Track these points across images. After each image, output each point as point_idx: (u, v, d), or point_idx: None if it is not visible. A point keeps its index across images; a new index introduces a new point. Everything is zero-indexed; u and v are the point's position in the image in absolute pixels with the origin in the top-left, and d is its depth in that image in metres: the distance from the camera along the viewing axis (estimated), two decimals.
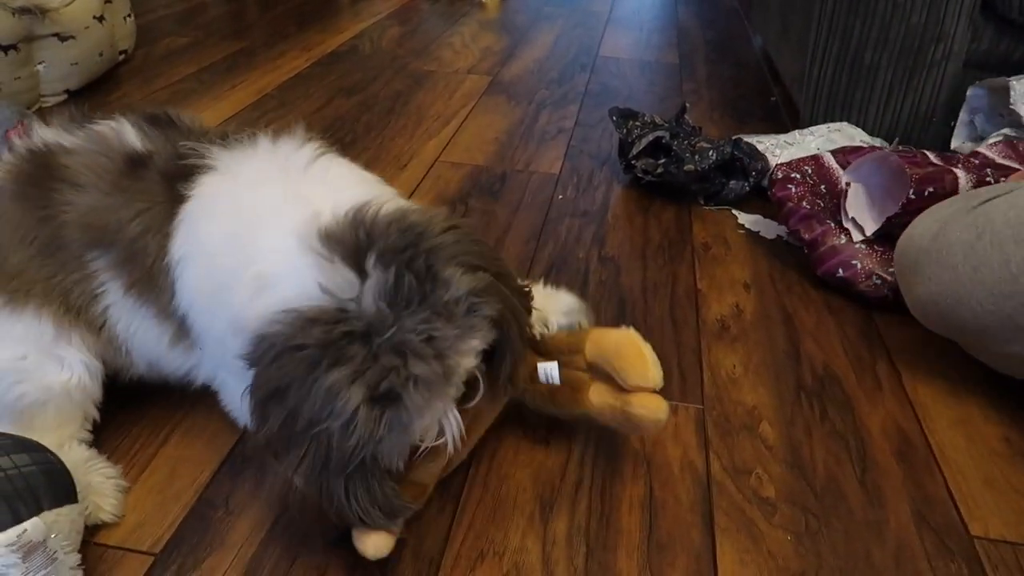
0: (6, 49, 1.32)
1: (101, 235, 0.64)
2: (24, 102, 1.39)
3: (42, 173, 0.66)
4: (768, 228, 1.16)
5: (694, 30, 2.31)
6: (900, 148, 1.16)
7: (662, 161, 1.21)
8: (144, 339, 0.67)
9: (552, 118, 1.57)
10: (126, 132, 0.67)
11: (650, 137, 1.23)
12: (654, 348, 0.66)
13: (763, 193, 1.23)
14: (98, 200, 0.64)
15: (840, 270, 0.99)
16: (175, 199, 0.62)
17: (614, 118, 1.30)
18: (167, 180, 0.63)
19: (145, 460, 0.71)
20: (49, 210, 0.65)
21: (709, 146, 1.19)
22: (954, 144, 1.21)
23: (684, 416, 0.79)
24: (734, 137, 1.22)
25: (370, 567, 0.61)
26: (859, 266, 0.98)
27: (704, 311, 0.96)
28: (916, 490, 0.71)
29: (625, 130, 1.29)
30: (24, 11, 1.31)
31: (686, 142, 1.22)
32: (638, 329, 0.68)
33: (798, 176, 1.08)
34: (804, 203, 1.05)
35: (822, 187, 1.09)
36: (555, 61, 1.95)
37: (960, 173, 0.98)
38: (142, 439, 0.73)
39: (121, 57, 1.71)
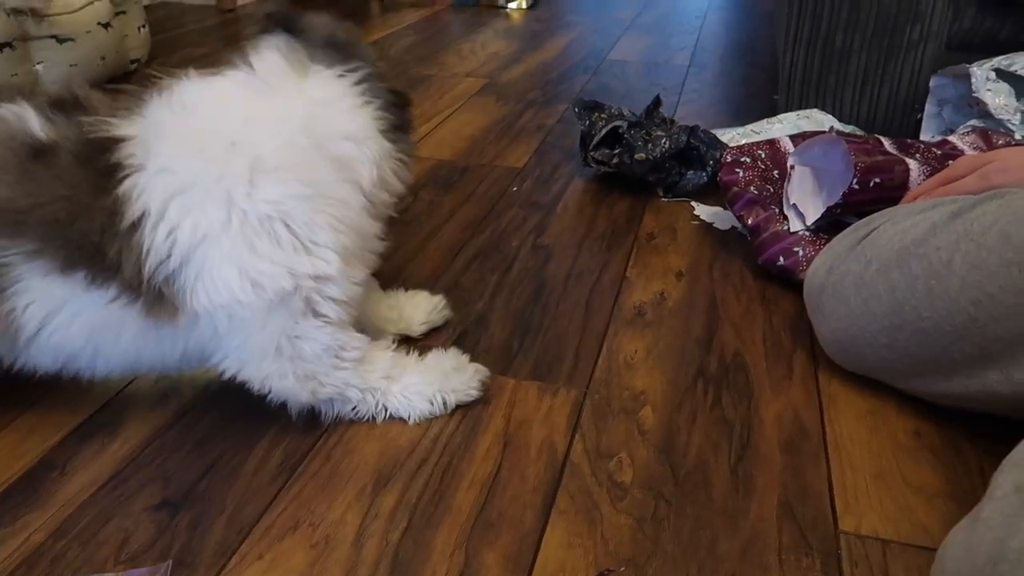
0: (1, 47, 1.39)
1: (13, 224, 0.58)
2: None
3: None
4: (724, 220, 1.10)
5: (717, 34, 2.25)
6: (855, 133, 1.09)
7: (616, 151, 1.17)
8: (84, 322, 0.62)
9: (536, 116, 1.55)
10: (27, 118, 0.61)
11: (608, 127, 1.19)
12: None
13: None
14: (2, 190, 0.59)
15: (781, 258, 0.93)
16: (103, 177, 0.59)
17: (576, 109, 1.27)
18: (90, 159, 0.59)
19: (5, 422, 0.71)
20: None
21: (663, 134, 1.14)
22: (923, 138, 1.12)
23: (562, 399, 0.75)
24: (691, 125, 1.17)
25: (178, 531, 0.60)
26: (800, 254, 0.92)
27: (624, 298, 0.92)
28: (792, 481, 0.65)
29: (588, 122, 1.25)
30: (17, 12, 1.39)
31: (643, 132, 1.18)
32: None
33: (748, 160, 1.02)
34: (752, 188, 0.99)
35: (775, 172, 1.02)
36: (559, 64, 1.93)
37: (913, 165, 0.91)
38: (9, 402, 0.74)
39: (133, 66, 1.78)
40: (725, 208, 1.13)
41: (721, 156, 1.16)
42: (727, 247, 1.03)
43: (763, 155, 1.03)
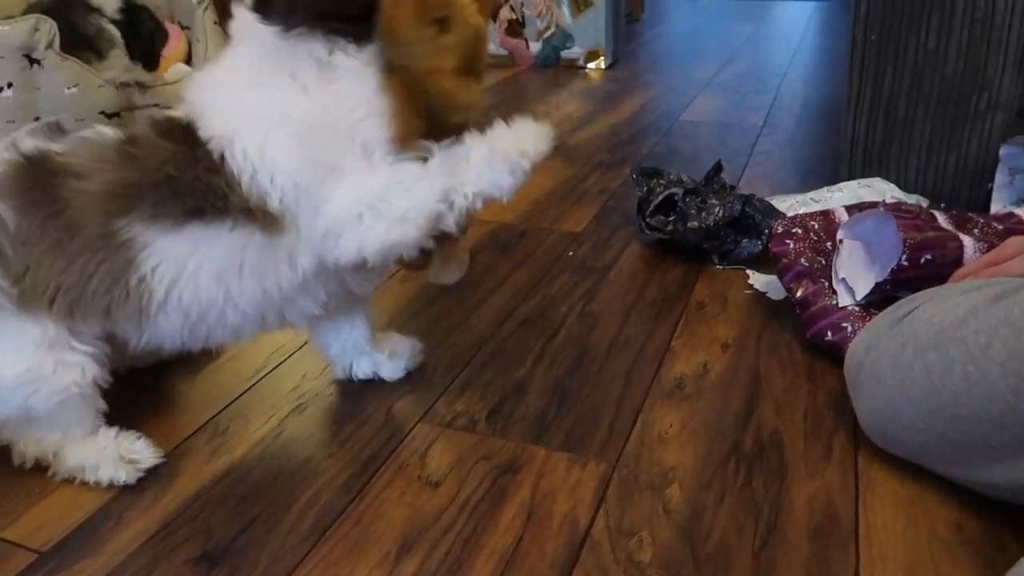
0: (110, 116, 1.53)
1: (128, 197, 0.67)
2: None
3: (40, 175, 0.68)
4: (777, 289, 1.09)
5: (795, 93, 2.23)
6: (913, 205, 1.06)
7: (671, 218, 1.18)
8: (211, 264, 0.70)
9: (601, 179, 1.57)
10: (106, 131, 0.71)
11: (664, 194, 1.21)
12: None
13: None
14: (111, 176, 0.68)
15: (829, 333, 0.92)
16: (191, 135, 0.68)
17: (635, 176, 1.29)
18: (169, 132, 0.69)
19: None
20: (55, 206, 0.68)
21: (717, 203, 1.15)
22: (994, 208, 1.08)
23: (591, 472, 0.75)
24: (746, 194, 1.17)
25: None
26: (849, 330, 0.90)
27: (665, 369, 0.92)
28: (818, 570, 0.64)
29: (646, 188, 1.27)
30: (125, 85, 1.53)
31: (698, 199, 1.18)
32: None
33: (799, 231, 1.02)
34: (802, 260, 0.99)
35: (828, 244, 1.01)
36: (630, 126, 1.96)
37: (968, 241, 0.89)
38: None
39: None
40: None
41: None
42: (778, 318, 1.02)
43: (816, 226, 1.02)
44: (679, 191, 1.20)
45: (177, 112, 0.71)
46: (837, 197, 1.16)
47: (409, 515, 0.71)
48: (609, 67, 2.66)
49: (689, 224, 1.14)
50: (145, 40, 1.66)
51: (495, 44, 2.73)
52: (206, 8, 1.87)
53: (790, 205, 1.19)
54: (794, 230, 1.01)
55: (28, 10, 1.56)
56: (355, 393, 0.89)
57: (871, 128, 1.18)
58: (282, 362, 0.95)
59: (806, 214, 1.04)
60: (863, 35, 1.13)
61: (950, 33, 1.10)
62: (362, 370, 0.89)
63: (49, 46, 1.44)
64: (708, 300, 1.08)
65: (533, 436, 0.80)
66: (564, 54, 2.67)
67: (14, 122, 1.45)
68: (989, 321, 0.65)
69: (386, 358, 0.90)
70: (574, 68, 2.66)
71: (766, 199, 1.20)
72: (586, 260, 1.21)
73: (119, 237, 0.68)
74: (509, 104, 2.20)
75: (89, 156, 0.69)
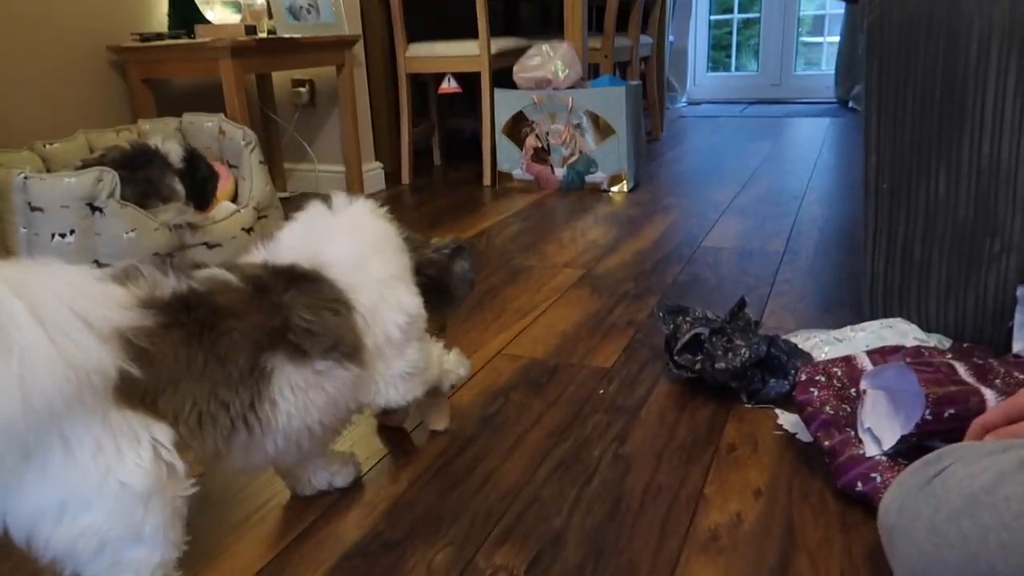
0: (163, 258, 1.62)
1: (274, 336, 0.78)
2: None
3: (203, 316, 0.74)
4: (807, 431, 1.11)
5: (815, 216, 2.30)
6: (933, 348, 1.09)
7: (698, 358, 1.22)
8: (327, 394, 0.83)
9: (627, 311, 1.62)
10: (228, 275, 0.80)
11: (690, 333, 1.25)
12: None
13: None
14: (258, 318, 0.78)
15: (859, 483, 0.93)
16: (320, 285, 0.85)
17: (661, 314, 1.33)
18: (294, 280, 0.84)
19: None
20: (217, 344, 0.74)
21: (743, 344, 1.18)
22: (1016, 348, 1.11)
23: None
24: (771, 335, 1.21)
25: None
26: (878, 480, 0.92)
27: (700, 518, 0.94)
28: None
29: (672, 326, 1.31)
30: (178, 227, 1.62)
31: (724, 339, 1.22)
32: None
33: (823, 379, 1.05)
34: (827, 408, 1.01)
35: (852, 390, 1.04)
36: (653, 252, 2.02)
37: (989, 395, 0.91)
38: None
39: None
40: None
41: (802, 365, 1.19)
42: (808, 462, 1.04)
43: (839, 372, 1.05)
44: (705, 331, 1.24)
45: (286, 260, 0.87)
46: (861, 337, 1.19)
47: None
48: (631, 190, 2.77)
49: (717, 365, 1.18)
50: (200, 185, 1.78)
51: (522, 169, 2.86)
52: (252, 149, 2.00)
53: (814, 344, 1.22)
54: (817, 377, 1.05)
55: (104, 156, 1.68)
56: (396, 542, 0.91)
57: (889, 270, 1.22)
58: (318, 518, 0.98)
59: (828, 361, 1.07)
60: (875, 183, 1.20)
61: (959, 180, 1.16)
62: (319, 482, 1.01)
63: (111, 195, 1.55)
64: (739, 442, 1.10)
65: None
66: (588, 178, 2.79)
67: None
68: (1018, 488, 0.67)
69: (337, 470, 1.02)
70: (598, 191, 2.77)
71: (790, 336, 1.24)
72: (616, 398, 1.25)
73: (262, 370, 0.77)
74: (538, 228, 2.29)
75: (236, 299, 0.78)
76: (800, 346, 1.22)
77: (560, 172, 2.81)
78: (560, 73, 2.67)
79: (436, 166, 3.44)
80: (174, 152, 1.77)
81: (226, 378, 0.75)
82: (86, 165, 1.59)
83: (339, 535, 0.94)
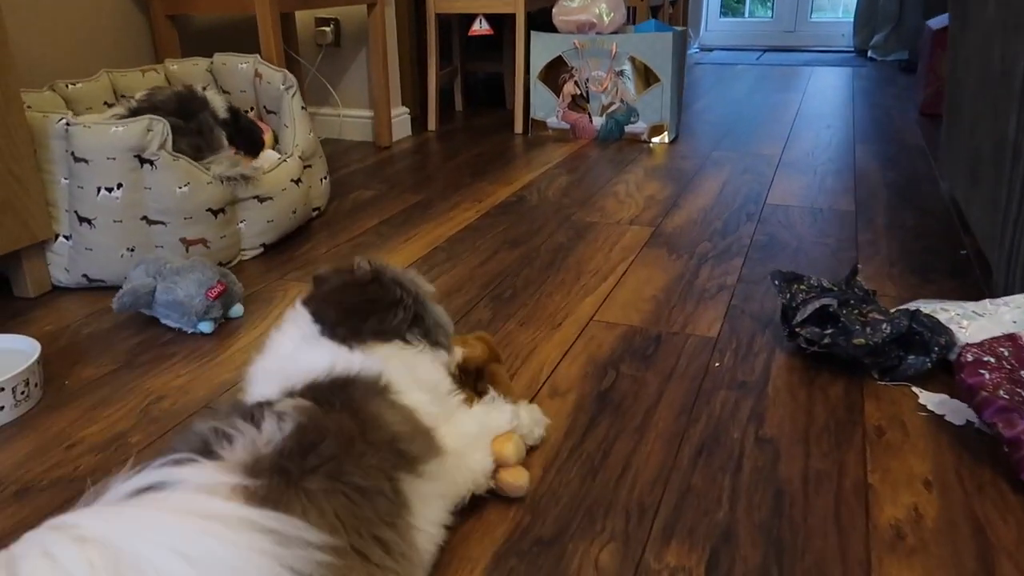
0: (216, 213, 1.49)
1: (399, 456, 0.73)
2: (226, 257, 1.55)
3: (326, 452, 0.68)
4: (956, 412, 1.04)
5: (873, 172, 2.22)
6: None
7: (829, 331, 1.13)
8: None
9: (713, 273, 1.53)
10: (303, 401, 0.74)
11: (816, 304, 1.16)
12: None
13: (948, 367, 1.12)
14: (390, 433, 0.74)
15: None
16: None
17: (776, 282, 1.25)
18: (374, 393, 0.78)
19: None
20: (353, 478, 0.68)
21: (883, 318, 1.10)
22: None
23: None
24: (913, 308, 1.12)
25: None
26: None
27: (875, 513, 0.86)
28: None
29: (788, 295, 1.22)
30: (230, 179, 1.49)
31: (856, 311, 1.14)
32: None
33: (992, 360, 0.97)
34: (1001, 392, 0.93)
35: (1021, 372, 0.96)
36: (720, 210, 1.93)
37: None
38: None
39: (315, 213, 1.89)
40: (951, 397, 1.07)
41: (946, 341, 1.11)
42: (970, 449, 0.97)
43: (1006, 353, 0.98)
44: (832, 302, 1.15)
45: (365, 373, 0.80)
46: (1004, 312, 1.11)
47: None
48: (671, 141, 2.65)
49: (855, 340, 1.09)
50: (246, 132, 1.64)
51: (557, 118, 2.73)
52: (294, 94, 1.86)
53: (951, 317, 1.14)
54: (985, 358, 0.97)
55: (149, 97, 1.53)
56: (549, 539, 0.83)
57: None
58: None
59: (993, 339, 0.99)
60: (1012, 152, 1.10)
61: None
62: None
63: (162, 146, 1.41)
64: (885, 425, 1.02)
65: None
66: (627, 128, 2.67)
67: (121, 221, 1.41)
68: None
69: None
70: (637, 143, 2.65)
71: (909, 307, 1.16)
72: (735, 373, 1.16)
73: (396, 485, 0.71)
74: (588, 181, 2.18)
75: (348, 442, 0.70)
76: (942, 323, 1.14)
77: (598, 121, 2.69)
78: (605, 17, 2.52)
79: (458, 112, 3.29)
80: (218, 102, 1.63)
81: (365, 492, 0.68)
82: (134, 112, 1.44)
83: (484, 529, 0.85)
